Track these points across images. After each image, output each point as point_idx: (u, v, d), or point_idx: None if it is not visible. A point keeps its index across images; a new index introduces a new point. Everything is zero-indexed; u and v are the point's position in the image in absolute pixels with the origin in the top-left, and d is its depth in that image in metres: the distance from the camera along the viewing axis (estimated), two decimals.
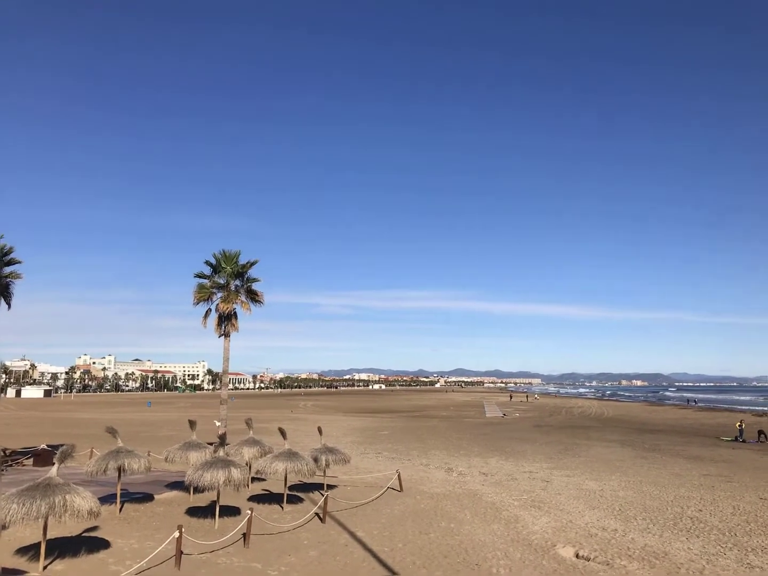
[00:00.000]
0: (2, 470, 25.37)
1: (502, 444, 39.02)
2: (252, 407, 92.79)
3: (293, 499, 19.45)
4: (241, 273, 33.14)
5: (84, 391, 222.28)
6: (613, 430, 51.04)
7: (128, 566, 12.07)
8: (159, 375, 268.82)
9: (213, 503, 16.88)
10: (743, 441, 41.30)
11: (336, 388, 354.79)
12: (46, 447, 28.47)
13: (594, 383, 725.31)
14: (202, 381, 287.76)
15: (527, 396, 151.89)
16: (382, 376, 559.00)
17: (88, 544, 13.84)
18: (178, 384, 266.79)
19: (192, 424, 19.98)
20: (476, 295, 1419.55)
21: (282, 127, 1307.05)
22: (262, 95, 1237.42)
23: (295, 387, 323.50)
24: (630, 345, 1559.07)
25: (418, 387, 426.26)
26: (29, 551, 13.04)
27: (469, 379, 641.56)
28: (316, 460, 19.16)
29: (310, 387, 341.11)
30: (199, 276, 33.09)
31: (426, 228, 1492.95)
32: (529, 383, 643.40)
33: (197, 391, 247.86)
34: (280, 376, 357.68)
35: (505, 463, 29.67)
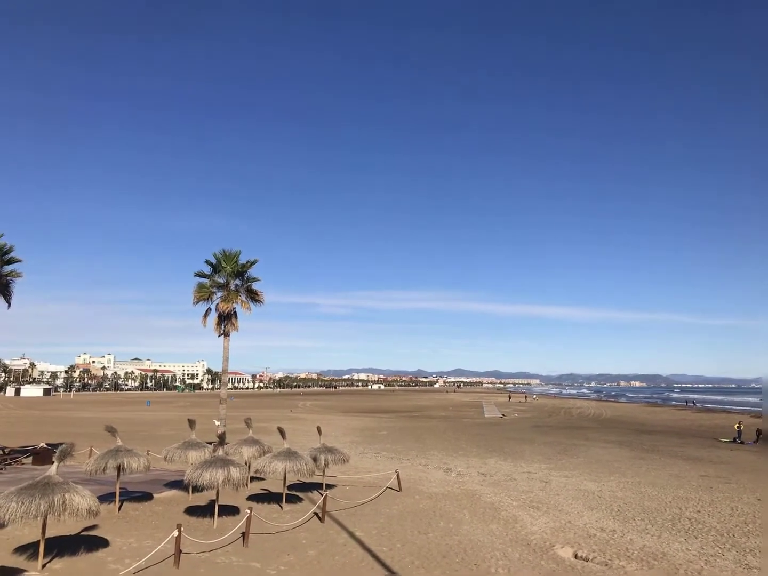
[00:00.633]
0: (1, 469, 25.41)
1: (500, 444, 39.05)
2: (251, 407, 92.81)
3: (292, 499, 19.47)
4: (241, 272, 33.19)
5: (83, 390, 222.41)
6: (611, 431, 51.07)
7: (127, 565, 12.09)
8: (158, 374, 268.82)
9: (212, 502, 16.90)
10: (741, 442, 41.33)
11: (335, 388, 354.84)
12: (45, 446, 28.47)
13: (593, 384, 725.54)
14: (202, 380, 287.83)
15: (526, 396, 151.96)
16: (381, 376, 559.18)
17: (87, 542, 13.85)
18: (178, 383, 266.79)
19: (191, 423, 19.99)
20: (476, 296, 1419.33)
21: (282, 127, 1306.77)
22: (264, 95, 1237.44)
23: (295, 387, 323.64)
24: (629, 346, 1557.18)
25: (417, 387, 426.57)
26: (28, 550, 13.04)
27: (468, 380, 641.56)
28: (315, 459, 19.18)
29: (309, 387, 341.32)
30: (199, 275, 33.15)
31: (425, 229, 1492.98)
32: (528, 384, 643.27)
33: (196, 391, 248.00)
34: (279, 375, 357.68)
35: (503, 463, 29.70)
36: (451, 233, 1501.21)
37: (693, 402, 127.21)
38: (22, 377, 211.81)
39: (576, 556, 13.48)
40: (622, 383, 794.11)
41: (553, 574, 12.20)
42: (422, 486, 22.54)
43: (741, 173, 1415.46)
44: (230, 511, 17.37)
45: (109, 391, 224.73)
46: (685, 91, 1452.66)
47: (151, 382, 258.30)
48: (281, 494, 19.00)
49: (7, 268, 28.68)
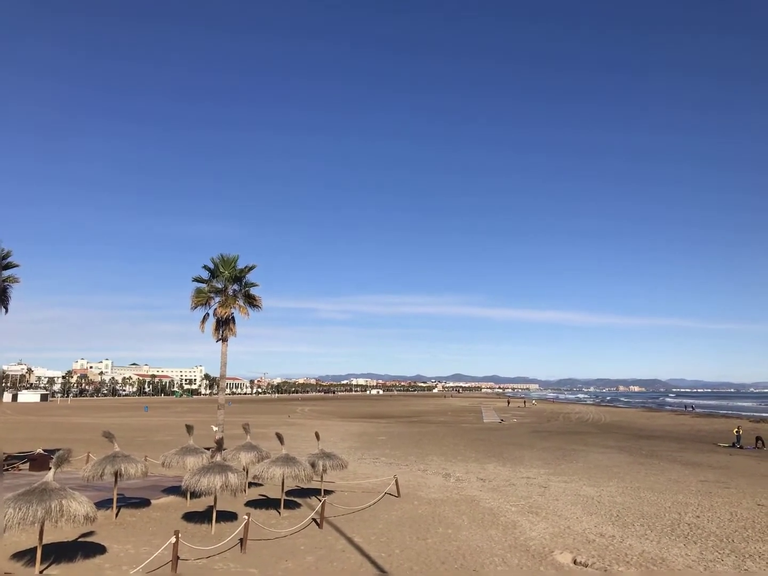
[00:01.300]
0: None
1: (499, 450, 38.98)
2: (249, 412, 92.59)
3: (290, 505, 19.41)
4: (239, 277, 33.11)
5: (81, 396, 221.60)
6: (610, 436, 51.02)
7: (124, 571, 12.04)
8: (156, 379, 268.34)
9: (210, 508, 16.83)
10: (740, 447, 41.30)
11: (334, 393, 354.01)
12: (42, 452, 28.41)
13: (591, 389, 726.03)
14: (200, 386, 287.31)
15: (525, 401, 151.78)
16: (380, 381, 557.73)
17: (84, 549, 13.79)
18: (176, 389, 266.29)
19: (189, 428, 19.94)
20: (475, 300, 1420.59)
21: (282, 131, 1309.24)
22: (258, 102, 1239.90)
23: (293, 392, 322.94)
24: (627, 351, 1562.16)
25: (415, 392, 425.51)
26: (25, 556, 12.97)
27: (467, 385, 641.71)
28: (313, 465, 19.12)
29: (308, 392, 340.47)
30: (197, 280, 33.04)
31: (425, 233, 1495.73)
32: (527, 389, 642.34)
33: (194, 396, 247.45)
34: (277, 381, 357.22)
35: (502, 468, 29.64)
36: (450, 238, 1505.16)
37: (692, 407, 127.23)
38: (19, 383, 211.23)
39: (575, 562, 13.44)
40: (621, 388, 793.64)
41: None
42: (421, 492, 22.48)
43: (741, 175, 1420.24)
44: (228, 517, 17.32)
45: (106, 397, 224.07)
46: (687, 85, 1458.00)
47: (148, 387, 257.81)
48: (279, 500, 18.93)
49: (5, 273, 28.60)
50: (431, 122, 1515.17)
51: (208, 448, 20.23)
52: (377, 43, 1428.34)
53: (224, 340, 32.69)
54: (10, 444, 37.60)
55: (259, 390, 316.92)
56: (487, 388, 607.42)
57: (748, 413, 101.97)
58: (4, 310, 28.50)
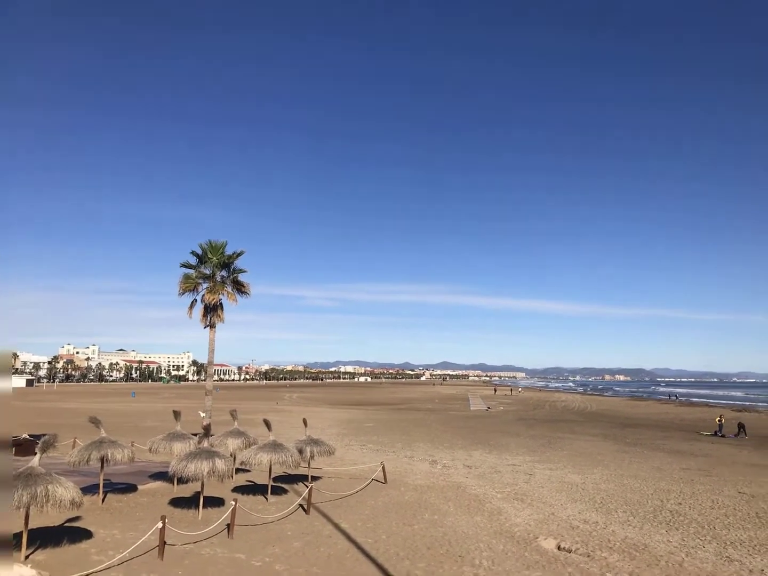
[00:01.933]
0: None
1: (486, 437, 39.28)
2: (237, 399, 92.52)
3: (277, 491, 19.46)
4: (227, 264, 33.01)
5: (67, 381, 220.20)
6: (595, 424, 51.58)
7: (111, 556, 12.02)
8: (143, 365, 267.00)
9: (197, 494, 16.83)
10: (723, 436, 41.91)
11: (321, 380, 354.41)
12: (27, 437, 28.21)
13: (578, 377, 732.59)
14: (187, 372, 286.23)
15: (511, 389, 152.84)
16: (368, 368, 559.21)
17: (70, 534, 13.75)
18: (163, 374, 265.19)
19: (176, 414, 19.86)
20: (463, 289, 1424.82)
21: (271, 118, 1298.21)
22: (257, 83, 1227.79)
23: (281, 379, 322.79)
24: (614, 340, 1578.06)
25: (403, 380, 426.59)
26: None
27: (454, 373, 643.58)
28: (300, 451, 19.16)
29: (296, 379, 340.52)
30: (185, 266, 32.90)
31: (413, 221, 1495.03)
32: (514, 377, 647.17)
33: (182, 382, 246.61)
34: (265, 367, 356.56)
35: (488, 456, 29.88)
36: (438, 226, 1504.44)
37: (676, 396, 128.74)
38: None
39: (559, 548, 13.61)
40: (607, 377, 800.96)
41: (536, 566, 12.31)
42: (408, 478, 22.63)
43: (729, 166, 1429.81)
44: (215, 502, 17.34)
45: (93, 383, 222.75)
46: (684, 82, 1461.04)
47: (136, 373, 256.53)
48: (267, 486, 18.99)
49: None
50: (422, 115, 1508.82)
51: (195, 434, 20.20)
52: (375, 40, 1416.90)
53: (212, 326, 32.61)
54: None
55: (247, 377, 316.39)
56: (474, 376, 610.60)
57: (731, 402, 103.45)
58: None
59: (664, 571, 12.20)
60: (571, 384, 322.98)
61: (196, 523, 15.03)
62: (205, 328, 32.73)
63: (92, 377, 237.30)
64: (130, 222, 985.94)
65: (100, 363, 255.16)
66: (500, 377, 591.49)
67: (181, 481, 17.44)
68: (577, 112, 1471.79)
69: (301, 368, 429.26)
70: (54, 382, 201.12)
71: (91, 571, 11.28)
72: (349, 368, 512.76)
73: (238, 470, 21.94)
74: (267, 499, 18.37)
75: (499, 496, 19.53)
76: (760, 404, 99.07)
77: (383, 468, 21.92)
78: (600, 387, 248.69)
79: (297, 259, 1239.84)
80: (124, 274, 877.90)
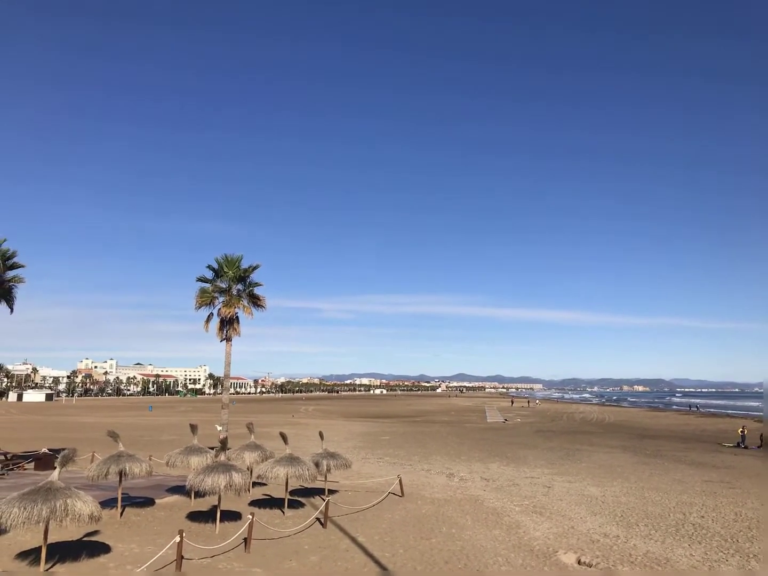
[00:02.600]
0: (3, 474, 25.39)
1: (503, 449, 38.94)
2: (253, 412, 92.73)
3: (294, 504, 19.43)
4: (243, 277, 33.21)
5: (85, 395, 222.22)
6: (614, 436, 50.91)
7: (129, 570, 12.07)
8: (160, 379, 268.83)
9: (214, 508, 16.86)
10: (745, 447, 41.18)
11: (337, 392, 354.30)
12: (47, 451, 28.49)
13: (595, 388, 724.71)
14: (204, 385, 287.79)
15: (528, 401, 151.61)
16: (384, 381, 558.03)
17: (88, 548, 13.83)
18: (180, 388, 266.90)
19: (193, 428, 19.96)
20: (478, 300, 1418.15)
21: (285, 130, 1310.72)
22: (263, 101, 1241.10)
23: (297, 391, 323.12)
24: (631, 350, 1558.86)
25: (419, 392, 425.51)
26: (30, 555, 13.03)
27: (470, 385, 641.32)
28: (317, 464, 19.12)
29: (312, 391, 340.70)
30: (202, 280, 33.16)
31: (428, 232, 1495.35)
32: (531, 388, 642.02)
33: (198, 396, 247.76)
34: (281, 380, 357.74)
35: (506, 468, 29.61)
36: (453, 236, 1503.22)
37: (696, 406, 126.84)
38: (24, 382, 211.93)
39: (579, 562, 13.41)
40: (625, 387, 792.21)
41: None
42: (425, 491, 22.48)
43: (743, 174, 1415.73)
44: (232, 516, 17.34)
45: (111, 396, 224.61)
46: (687, 84, 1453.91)
47: (153, 387, 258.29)
48: (283, 500, 18.96)
49: (10, 274, 28.72)
50: (432, 122, 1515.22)
51: (212, 448, 20.25)
52: (376, 44, 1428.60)
53: (228, 339, 32.79)
54: (16, 443, 37.73)
55: (263, 389, 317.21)
56: (490, 387, 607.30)
57: (753, 413, 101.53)
58: (9, 310, 28.59)
59: None
60: (588, 395, 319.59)
61: (213, 537, 15.03)
62: (221, 341, 32.91)
63: (110, 391, 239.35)
64: (148, 237, 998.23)
65: (117, 377, 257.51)
66: (517, 389, 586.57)
67: (199, 494, 17.47)
68: (599, 115, 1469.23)
69: (316, 381, 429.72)
70: (73, 396, 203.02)
71: None
72: (365, 380, 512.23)
73: (254, 484, 21.91)
74: (284, 512, 18.34)
75: (517, 509, 19.32)
76: None
77: (400, 481, 21.80)
78: (615, 398, 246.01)
79: (313, 272, 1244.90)
80: (141, 289, 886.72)
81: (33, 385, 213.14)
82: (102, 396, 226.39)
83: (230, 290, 32.86)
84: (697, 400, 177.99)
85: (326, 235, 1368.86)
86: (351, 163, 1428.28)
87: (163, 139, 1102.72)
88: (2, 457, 28.35)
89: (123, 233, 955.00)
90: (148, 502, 19.59)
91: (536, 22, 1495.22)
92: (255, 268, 33.56)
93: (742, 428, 44.09)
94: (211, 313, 32.71)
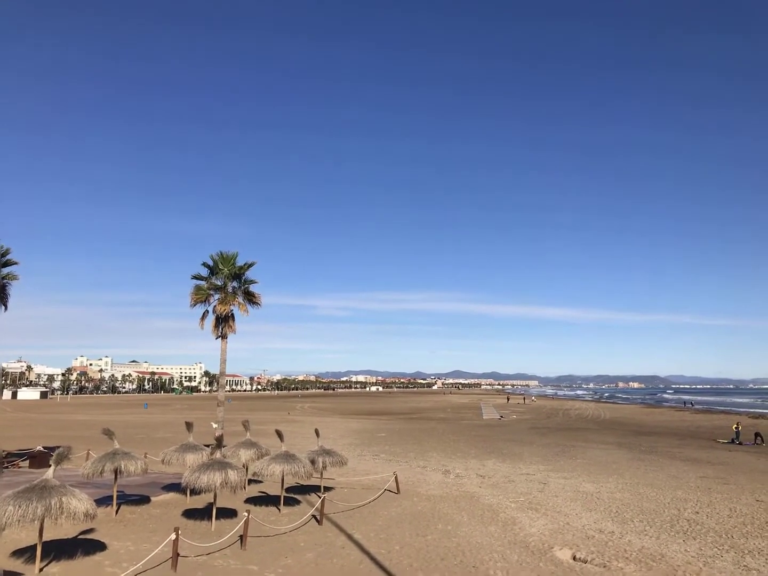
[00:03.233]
0: None
1: (499, 446, 39.02)
2: (249, 409, 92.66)
3: (290, 501, 19.42)
4: (238, 274, 33.13)
5: (80, 393, 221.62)
6: (610, 432, 51.10)
7: (124, 568, 12.03)
8: (156, 377, 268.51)
9: (210, 505, 16.84)
10: (740, 443, 41.36)
11: (333, 390, 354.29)
12: (42, 449, 28.37)
13: (591, 385, 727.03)
14: (199, 383, 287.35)
15: (524, 398, 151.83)
16: (380, 378, 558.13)
17: (84, 546, 13.80)
18: (175, 386, 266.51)
19: (189, 426, 19.93)
20: (474, 297, 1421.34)
21: (279, 131, 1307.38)
22: (259, 100, 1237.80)
23: (292, 389, 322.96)
24: (627, 347, 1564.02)
25: (415, 389, 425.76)
26: (25, 553, 12.98)
27: (466, 381, 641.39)
28: (313, 462, 19.13)
29: (308, 389, 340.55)
30: (197, 277, 33.06)
31: (423, 229, 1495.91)
32: (527, 385, 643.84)
33: (194, 393, 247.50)
34: (277, 377, 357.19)
35: (502, 465, 29.67)
36: (449, 233, 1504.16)
37: (691, 403, 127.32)
38: (18, 380, 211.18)
39: (574, 558, 13.46)
40: (620, 384, 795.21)
41: None
42: (421, 488, 22.51)
43: (740, 171, 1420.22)
44: (228, 514, 17.33)
45: (106, 394, 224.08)
46: (689, 79, 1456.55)
47: (148, 384, 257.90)
48: (279, 497, 18.94)
49: (4, 271, 28.60)
50: (431, 119, 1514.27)
51: (207, 445, 20.23)
52: (377, 40, 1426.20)
53: (224, 337, 32.71)
54: (10, 441, 37.63)
55: (259, 387, 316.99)
56: (486, 384, 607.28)
57: (747, 409, 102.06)
58: (3, 307, 28.49)
59: None
60: (584, 392, 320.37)
61: (209, 535, 15.02)
62: (216, 338, 32.84)
63: (105, 389, 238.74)
64: (142, 234, 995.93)
65: (112, 375, 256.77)
66: (513, 386, 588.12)
67: (194, 492, 17.44)
68: (594, 109, 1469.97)
69: (312, 378, 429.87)
70: (68, 393, 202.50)
71: None
72: (361, 378, 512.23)
73: (250, 481, 21.93)
74: (280, 510, 18.33)
75: (513, 505, 19.36)
76: None
77: (396, 478, 21.81)
78: (613, 394, 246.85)
79: (308, 269, 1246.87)
80: (136, 286, 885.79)
81: (28, 382, 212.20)
82: (97, 394, 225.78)
83: (225, 287, 32.77)
84: (692, 397, 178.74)
85: (321, 233, 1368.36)
86: (348, 162, 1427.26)
87: (160, 139, 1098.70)
88: None
89: (118, 230, 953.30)
90: (144, 499, 19.55)
91: (537, 20, 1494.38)
92: (250, 265, 33.49)
93: (737, 424, 44.30)
94: (207, 311, 32.62)
